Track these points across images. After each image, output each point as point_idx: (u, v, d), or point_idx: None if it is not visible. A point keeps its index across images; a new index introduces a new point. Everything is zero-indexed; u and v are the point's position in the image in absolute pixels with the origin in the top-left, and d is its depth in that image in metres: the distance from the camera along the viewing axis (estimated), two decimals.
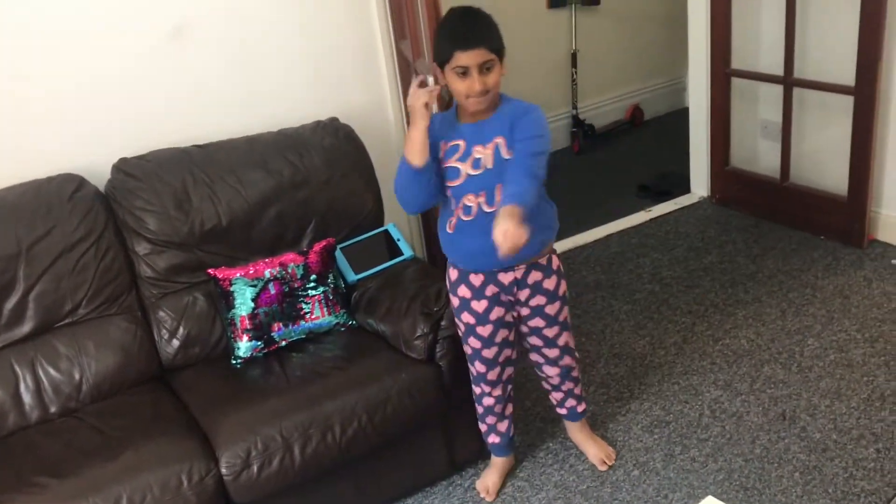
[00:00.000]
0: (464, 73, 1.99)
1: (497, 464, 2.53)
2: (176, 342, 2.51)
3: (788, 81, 3.59)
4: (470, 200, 2.12)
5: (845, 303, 3.18)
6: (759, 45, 3.78)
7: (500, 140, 2.06)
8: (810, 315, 3.13)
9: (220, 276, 2.48)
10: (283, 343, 2.51)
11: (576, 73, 4.99)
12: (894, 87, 3.29)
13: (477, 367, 2.35)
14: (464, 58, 1.97)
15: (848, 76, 3.33)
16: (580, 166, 4.90)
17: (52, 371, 2.37)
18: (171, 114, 2.74)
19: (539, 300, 2.27)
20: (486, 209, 2.10)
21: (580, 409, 2.55)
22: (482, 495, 2.50)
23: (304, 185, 2.66)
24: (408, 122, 3.09)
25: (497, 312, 2.26)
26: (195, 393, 2.38)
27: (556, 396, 2.54)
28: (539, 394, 2.76)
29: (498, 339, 2.30)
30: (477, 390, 2.41)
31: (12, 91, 2.50)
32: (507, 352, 2.35)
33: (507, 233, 1.82)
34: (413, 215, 3.23)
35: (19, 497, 2.01)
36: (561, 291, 2.30)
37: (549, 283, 2.26)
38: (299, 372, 2.40)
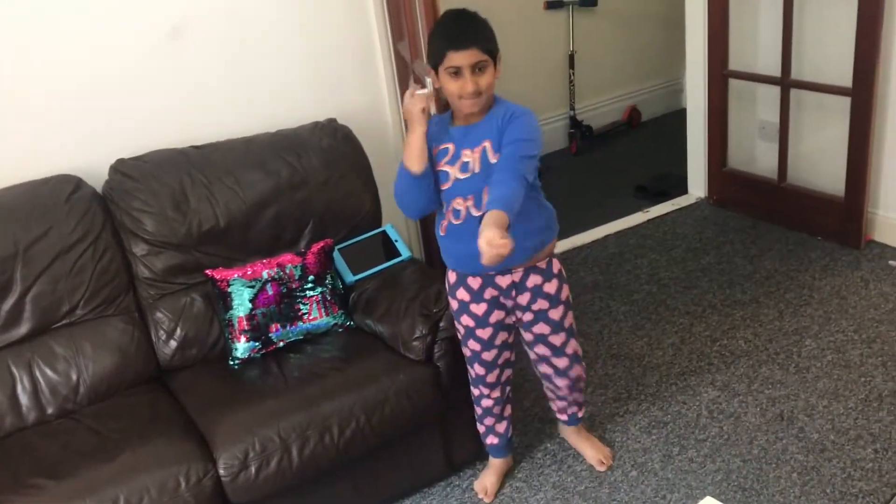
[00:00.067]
0: (456, 73, 1.99)
1: (495, 465, 2.53)
2: (173, 343, 2.51)
3: (786, 83, 3.59)
4: (459, 204, 2.11)
5: (842, 303, 3.18)
6: (757, 46, 3.78)
7: (487, 144, 2.05)
8: (808, 316, 3.14)
9: (217, 276, 2.48)
10: (281, 344, 2.51)
11: (573, 74, 5.00)
12: (891, 89, 3.29)
13: (476, 370, 2.35)
14: (456, 58, 1.97)
15: (845, 77, 3.33)
16: (578, 167, 4.90)
17: (49, 372, 2.36)
18: (169, 114, 2.74)
19: (541, 304, 2.25)
20: (475, 213, 2.09)
21: (581, 414, 2.55)
22: (480, 496, 2.50)
23: (301, 185, 2.66)
24: (405, 124, 3.11)
25: (496, 315, 2.26)
26: (193, 394, 2.38)
27: (559, 405, 2.53)
28: (537, 394, 2.76)
29: (497, 341, 2.30)
30: (475, 392, 2.40)
31: (9, 91, 2.49)
32: (506, 354, 2.35)
33: (491, 242, 1.76)
34: (414, 220, 3.23)
35: (16, 499, 2.00)
36: (563, 296, 2.27)
37: (550, 287, 2.24)
38: (297, 373, 2.39)
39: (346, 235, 2.75)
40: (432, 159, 2.11)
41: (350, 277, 2.68)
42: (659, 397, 2.82)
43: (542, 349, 2.33)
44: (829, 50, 3.46)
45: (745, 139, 4.01)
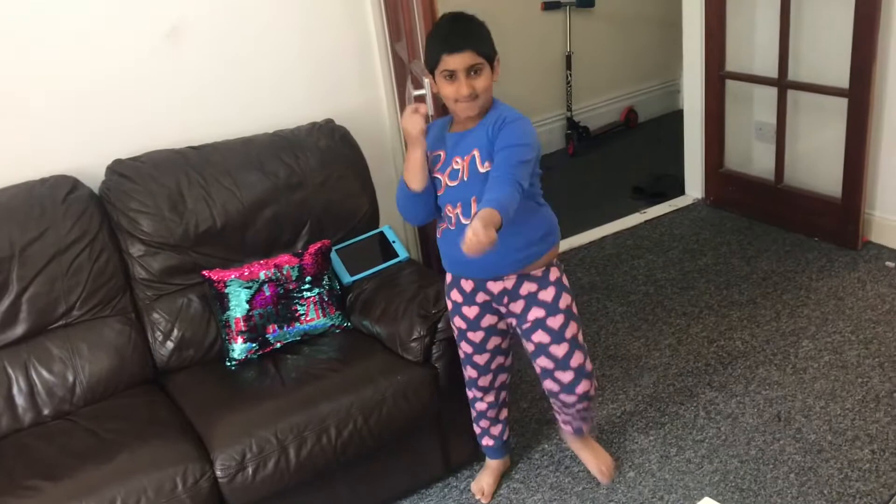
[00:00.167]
0: (451, 76, 1.97)
1: (491, 466, 2.53)
2: (170, 344, 2.50)
3: (783, 84, 3.60)
4: (450, 210, 2.10)
5: (840, 304, 3.19)
6: (754, 47, 3.79)
7: (476, 152, 2.02)
8: (805, 317, 3.14)
9: (214, 277, 2.47)
10: (278, 345, 2.50)
11: (570, 75, 5.00)
12: (888, 90, 3.30)
13: (469, 372, 2.34)
14: (450, 61, 1.96)
15: (842, 78, 3.34)
16: (575, 168, 4.91)
17: (45, 373, 2.36)
18: (166, 115, 2.73)
19: (537, 312, 2.16)
20: (464, 221, 2.07)
21: (587, 429, 2.43)
22: (477, 497, 2.50)
23: (299, 186, 2.66)
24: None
25: (489, 320, 2.24)
26: (190, 395, 2.37)
27: (564, 419, 2.39)
28: (535, 395, 2.76)
29: (489, 346, 2.28)
30: (470, 394, 2.40)
31: (7, 92, 2.48)
32: (499, 359, 2.32)
33: (477, 230, 1.73)
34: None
35: (13, 500, 1.99)
36: (562, 304, 2.17)
37: (546, 295, 2.15)
38: (294, 374, 2.39)
39: (344, 236, 2.75)
40: (429, 165, 2.11)
41: (347, 278, 2.68)
42: (656, 398, 2.82)
43: (544, 361, 2.21)
44: (825, 51, 3.47)
45: (741, 140, 4.02)
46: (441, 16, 2.08)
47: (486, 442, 2.48)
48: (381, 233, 2.81)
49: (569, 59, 4.98)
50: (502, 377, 2.37)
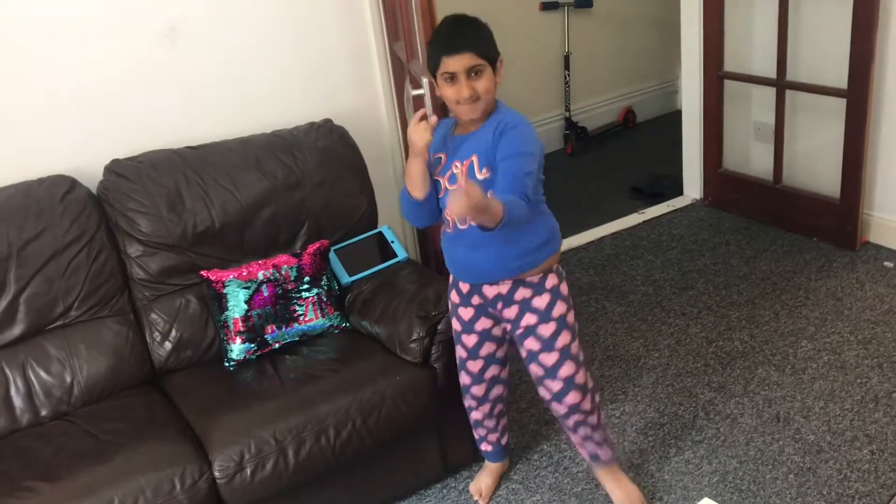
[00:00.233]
0: (452, 78, 1.96)
1: (490, 467, 2.52)
2: (168, 345, 2.50)
3: (781, 84, 3.60)
4: (447, 214, 2.10)
5: (838, 305, 3.19)
6: (752, 47, 3.79)
7: (474, 158, 2.01)
8: (803, 317, 3.14)
9: (213, 278, 2.46)
10: (277, 345, 2.50)
11: (568, 75, 5.00)
12: (886, 90, 3.30)
13: (463, 378, 2.32)
14: (450, 63, 1.94)
15: (840, 79, 3.34)
16: (573, 168, 4.90)
17: (43, 374, 2.35)
18: (165, 115, 2.72)
19: (529, 319, 2.12)
20: (460, 226, 2.06)
21: (603, 455, 2.31)
22: (475, 498, 2.49)
23: (297, 186, 2.65)
24: (401, 121, 3.10)
25: (483, 323, 2.22)
26: (188, 396, 2.37)
27: (573, 438, 2.31)
28: (533, 395, 2.74)
29: (483, 352, 2.25)
30: (465, 402, 2.37)
31: (4, 91, 2.48)
32: (494, 369, 2.29)
33: (466, 186, 1.72)
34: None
35: (10, 501, 1.99)
36: (556, 312, 2.12)
37: (539, 301, 2.11)
38: (293, 374, 2.38)
39: (343, 236, 2.75)
40: (431, 165, 2.10)
41: (346, 279, 2.67)
42: (655, 399, 2.82)
43: (535, 368, 2.18)
44: (824, 51, 3.47)
45: (740, 140, 4.02)
46: (443, 18, 2.07)
47: (485, 447, 2.48)
48: (380, 233, 2.81)
49: (567, 59, 4.98)
50: (497, 390, 2.33)
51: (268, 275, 2.49)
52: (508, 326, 2.20)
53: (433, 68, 2.00)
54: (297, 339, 2.52)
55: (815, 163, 3.69)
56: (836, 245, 3.58)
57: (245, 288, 2.46)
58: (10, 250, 2.33)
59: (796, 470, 2.43)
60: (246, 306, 2.45)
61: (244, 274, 2.47)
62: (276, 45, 2.87)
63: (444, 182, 2.08)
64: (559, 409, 2.21)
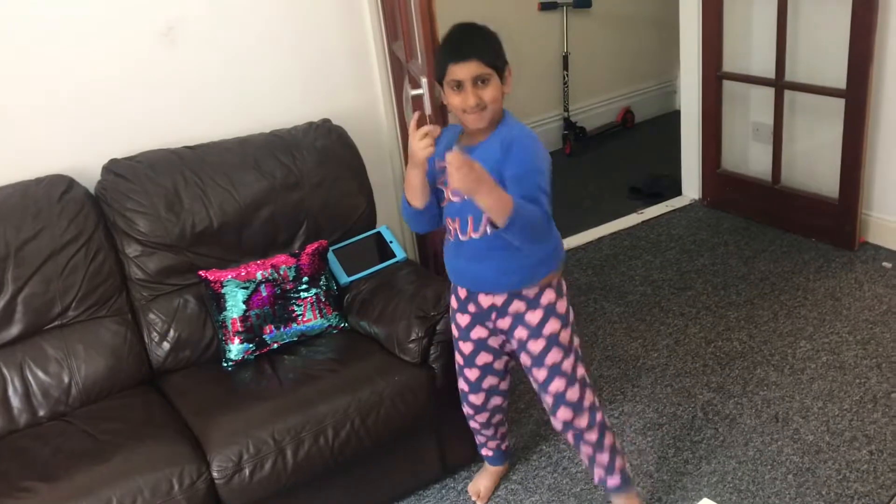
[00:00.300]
0: (458, 86, 1.93)
1: (490, 469, 2.52)
2: (166, 345, 2.49)
3: (780, 84, 3.60)
4: (449, 223, 2.08)
5: (837, 305, 3.19)
6: (751, 47, 3.79)
7: None
8: (802, 317, 3.14)
9: (211, 278, 2.46)
10: (275, 345, 2.50)
11: (567, 75, 5.00)
12: (885, 90, 3.30)
13: (461, 385, 2.30)
14: (457, 70, 1.91)
15: (839, 79, 3.34)
16: (572, 168, 4.90)
17: (40, 374, 2.34)
18: (163, 115, 2.72)
19: (521, 333, 2.09)
20: (461, 237, 2.04)
21: (610, 483, 2.22)
22: (473, 499, 2.49)
23: (296, 186, 2.65)
24: (400, 121, 3.10)
25: (478, 332, 2.18)
26: (186, 396, 2.36)
27: (581, 458, 2.28)
28: (532, 396, 2.74)
29: (479, 361, 2.23)
30: (464, 410, 2.35)
31: (3, 91, 2.47)
32: (491, 380, 2.26)
33: (469, 162, 1.73)
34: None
35: (9, 502, 1.98)
36: (547, 330, 2.07)
37: (532, 317, 2.07)
38: (291, 374, 2.38)
39: (341, 236, 2.74)
40: (434, 174, 2.06)
41: (345, 279, 2.67)
42: (654, 399, 2.82)
43: (532, 381, 2.17)
44: (823, 52, 3.47)
45: (738, 141, 4.02)
46: (451, 26, 2.02)
47: (486, 452, 2.47)
48: (379, 233, 2.80)
49: (565, 59, 4.97)
50: (496, 400, 2.30)
51: (266, 275, 2.48)
52: (503, 338, 2.18)
53: (440, 76, 1.97)
54: (295, 339, 2.52)
55: (814, 163, 3.70)
56: (834, 245, 3.58)
57: (243, 288, 2.46)
58: (7, 250, 2.33)
59: (795, 470, 2.43)
60: (244, 306, 2.45)
61: (242, 274, 2.47)
62: (276, 45, 2.87)
63: (447, 192, 2.05)
64: (555, 423, 2.19)
